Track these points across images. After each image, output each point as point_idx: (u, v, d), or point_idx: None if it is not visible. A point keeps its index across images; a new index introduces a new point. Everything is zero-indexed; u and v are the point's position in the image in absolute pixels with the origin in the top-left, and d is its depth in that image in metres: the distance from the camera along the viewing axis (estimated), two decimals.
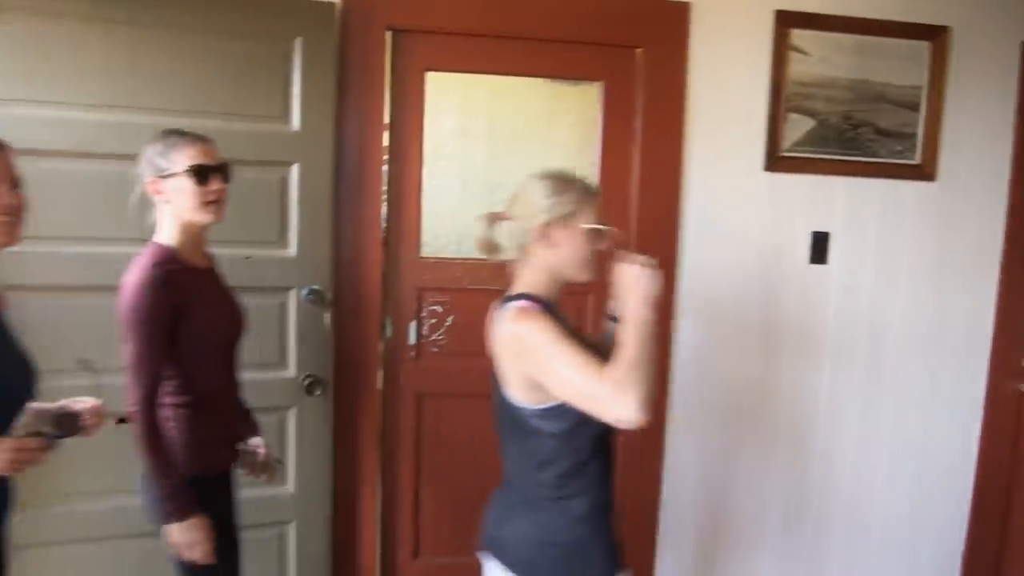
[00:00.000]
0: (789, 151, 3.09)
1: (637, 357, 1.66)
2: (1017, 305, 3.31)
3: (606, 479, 1.92)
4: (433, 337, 2.99)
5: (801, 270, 3.16)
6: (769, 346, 3.18)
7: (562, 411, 1.77)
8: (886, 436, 3.30)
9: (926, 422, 3.31)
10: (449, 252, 2.99)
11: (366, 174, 2.79)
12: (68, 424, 1.85)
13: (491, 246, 1.94)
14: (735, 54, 3.02)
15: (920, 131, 3.18)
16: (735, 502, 3.25)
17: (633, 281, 1.76)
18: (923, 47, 3.13)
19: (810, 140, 3.11)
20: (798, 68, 3.05)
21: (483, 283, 2.93)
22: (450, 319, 2.99)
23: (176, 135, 2.08)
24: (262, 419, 2.68)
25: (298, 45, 2.62)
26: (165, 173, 2.04)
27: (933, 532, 3.38)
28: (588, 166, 3.02)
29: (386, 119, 2.85)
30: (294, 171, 2.67)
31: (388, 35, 2.80)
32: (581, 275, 1.89)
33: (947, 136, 3.20)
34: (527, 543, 1.87)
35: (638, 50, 2.97)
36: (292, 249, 2.71)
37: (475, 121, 2.98)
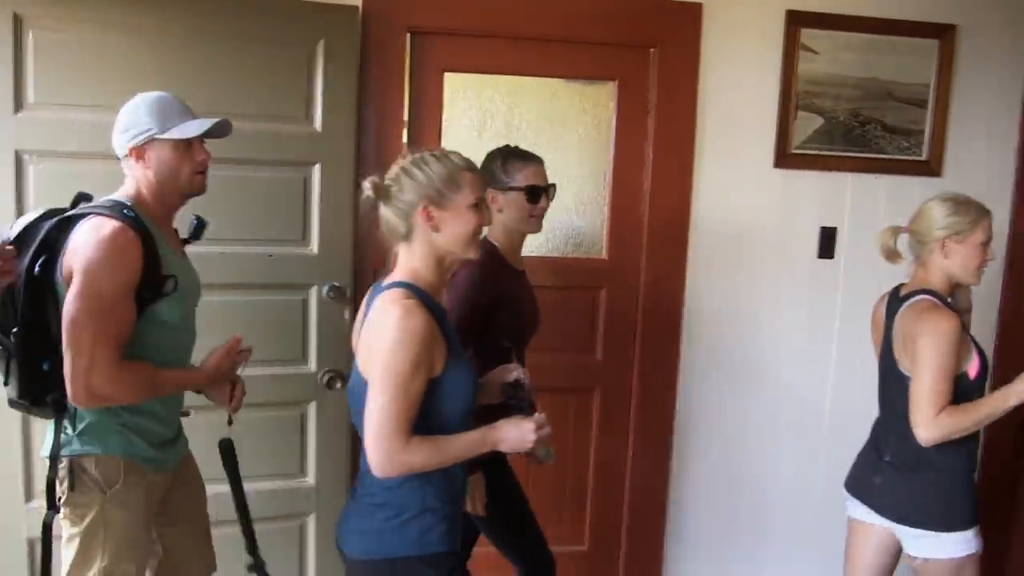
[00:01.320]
0: (798, 148, 3.18)
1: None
2: (1021, 298, 3.41)
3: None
4: None
5: (809, 264, 3.26)
6: (777, 339, 3.28)
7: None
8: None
9: None
10: None
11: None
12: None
13: (893, 253, 2.43)
14: (746, 53, 3.11)
15: (927, 128, 3.27)
16: (749, 493, 3.36)
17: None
18: (931, 45, 3.22)
19: (819, 137, 3.20)
20: (807, 67, 3.14)
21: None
22: None
23: (518, 155, 2.44)
24: (283, 413, 2.77)
25: (320, 48, 2.70)
26: (505, 186, 2.39)
27: None
28: (602, 164, 3.11)
29: (404, 118, 2.93)
30: (316, 171, 2.75)
31: (407, 37, 2.88)
32: (970, 279, 2.37)
33: (953, 133, 3.29)
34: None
35: (652, 50, 3.05)
36: (314, 247, 2.79)
37: (492, 120, 3.07)
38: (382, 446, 1.73)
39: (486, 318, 2.33)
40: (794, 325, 3.29)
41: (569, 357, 3.15)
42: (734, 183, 3.16)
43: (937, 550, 2.36)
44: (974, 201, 2.37)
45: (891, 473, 2.43)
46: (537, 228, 2.49)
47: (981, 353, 2.34)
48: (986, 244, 2.35)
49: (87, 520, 1.99)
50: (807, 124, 3.18)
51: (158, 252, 1.98)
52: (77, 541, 2.00)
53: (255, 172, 2.70)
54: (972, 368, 2.30)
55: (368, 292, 1.96)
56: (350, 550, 1.92)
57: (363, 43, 2.80)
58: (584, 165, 3.15)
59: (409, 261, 1.87)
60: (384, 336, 1.73)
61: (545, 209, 2.46)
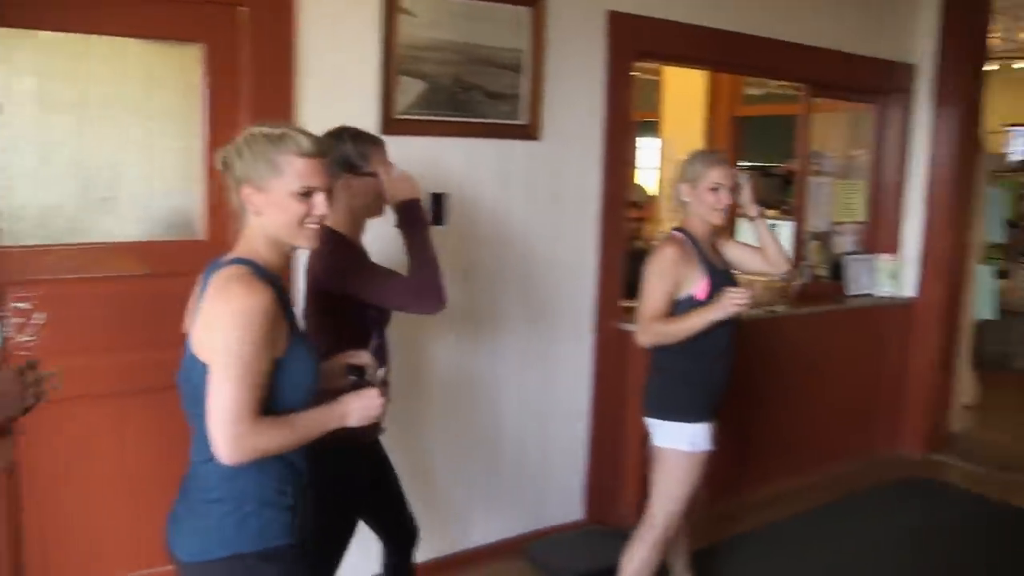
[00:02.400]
0: (404, 114, 3.15)
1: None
2: (613, 250, 3.73)
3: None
4: (21, 339, 2.66)
5: None
6: None
7: None
8: (513, 388, 3.59)
9: (544, 376, 3.66)
10: (35, 239, 2.66)
11: None
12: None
13: None
14: (345, 14, 2.99)
15: (524, 93, 3.40)
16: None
17: None
18: (523, 12, 3.34)
19: (423, 103, 3.19)
20: (408, 31, 3.10)
21: (80, 271, 2.67)
22: (41, 316, 2.67)
23: (370, 139, 2.42)
24: None
25: None
26: (361, 171, 2.35)
27: (560, 467, 3.77)
28: (192, 135, 2.84)
29: None
30: None
31: None
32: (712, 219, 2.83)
33: (549, 98, 3.47)
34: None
35: (241, 8, 2.83)
36: None
37: (57, 88, 2.65)
38: (229, 430, 1.66)
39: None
40: None
41: (168, 354, 2.88)
42: None
43: (659, 438, 2.84)
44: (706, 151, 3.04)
45: (648, 376, 2.96)
46: (383, 212, 2.47)
47: (714, 276, 2.78)
48: (716, 188, 2.80)
49: None
50: (411, 89, 3.15)
51: None
52: None
53: None
54: (700, 291, 2.76)
55: (204, 270, 1.83)
56: (184, 553, 1.80)
57: None
58: (173, 137, 2.85)
59: (248, 239, 1.82)
60: (225, 314, 1.67)
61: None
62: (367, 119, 3.07)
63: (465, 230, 3.35)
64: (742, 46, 4.07)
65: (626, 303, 3.96)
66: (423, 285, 2.30)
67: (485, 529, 3.60)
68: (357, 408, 1.85)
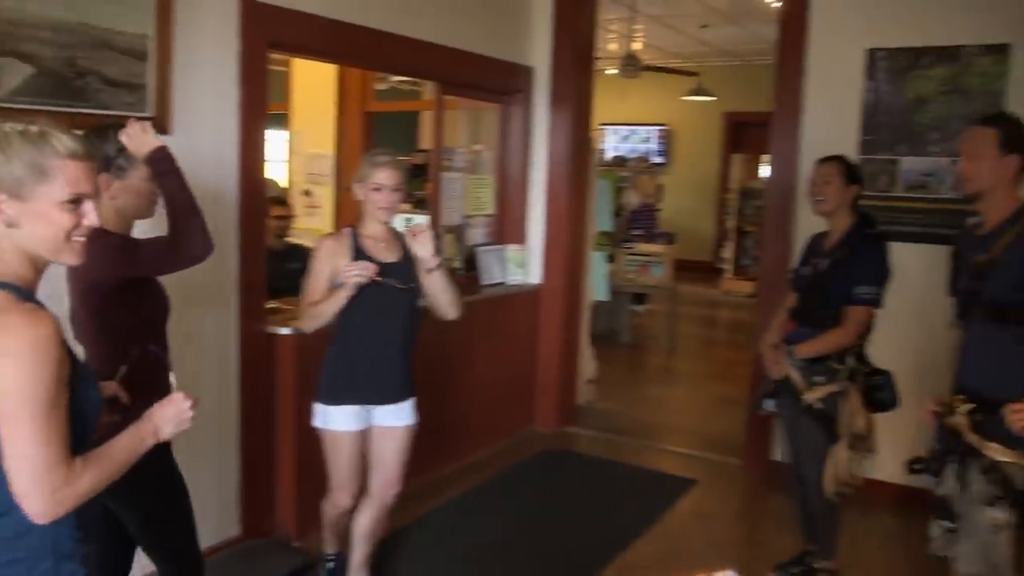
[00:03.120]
0: (5, 102, 2.75)
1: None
2: (255, 251, 3.57)
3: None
4: None
5: None
6: None
7: None
8: None
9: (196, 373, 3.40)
10: None
11: None
12: None
13: None
14: None
15: (151, 82, 3.13)
16: None
17: None
18: None
19: (30, 89, 2.81)
20: (7, 3, 2.71)
21: None
22: None
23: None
24: None
25: None
26: (124, 172, 2.35)
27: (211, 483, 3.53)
28: None
29: None
30: None
31: None
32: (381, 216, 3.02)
33: (180, 88, 3.22)
34: None
35: None
36: None
37: None
38: (45, 484, 1.46)
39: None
40: None
41: None
42: None
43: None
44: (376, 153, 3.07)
45: None
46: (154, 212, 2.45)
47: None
48: (379, 188, 2.95)
49: None
50: (14, 72, 2.75)
51: None
52: None
53: None
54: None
55: None
56: None
57: None
58: None
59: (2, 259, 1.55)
60: (8, 353, 1.43)
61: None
62: None
63: None
64: (376, 42, 4.10)
65: (273, 304, 3.84)
66: (187, 232, 2.33)
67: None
68: (169, 418, 1.74)
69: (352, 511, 3.15)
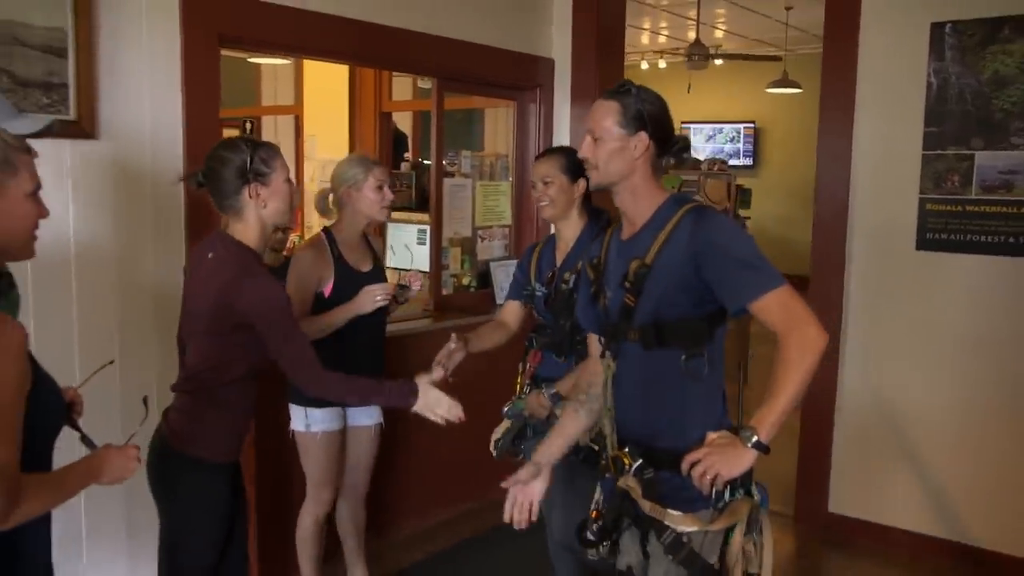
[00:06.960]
0: None
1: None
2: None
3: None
4: None
5: None
6: None
7: None
8: None
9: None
10: None
11: None
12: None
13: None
14: None
15: (72, 82, 2.93)
16: None
17: None
18: None
19: None
20: None
21: None
22: None
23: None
24: None
25: None
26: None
27: None
28: None
29: None
30: None
31: None
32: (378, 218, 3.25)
33: (108, 89, 3.01)
34: None
35: None
36: None
37: None
38: None
39: None
40: None
41: None
42: None
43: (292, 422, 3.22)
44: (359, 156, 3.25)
45: None
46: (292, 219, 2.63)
47: (343, 277, 3.12)
48: (381, 186, 3.12)
49: None
50: None
51: None
52: None
53: None
54: (327, 289, 3.12)
55: None
56: None
57: None
58: None
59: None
60: None
61: None
62: None
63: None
64: (359, 34, 3.82)
65: None
66: (339, 390, 2.54)
67: None
68: (116, 465, 1.81)
69: (325, 521, 3.30)
